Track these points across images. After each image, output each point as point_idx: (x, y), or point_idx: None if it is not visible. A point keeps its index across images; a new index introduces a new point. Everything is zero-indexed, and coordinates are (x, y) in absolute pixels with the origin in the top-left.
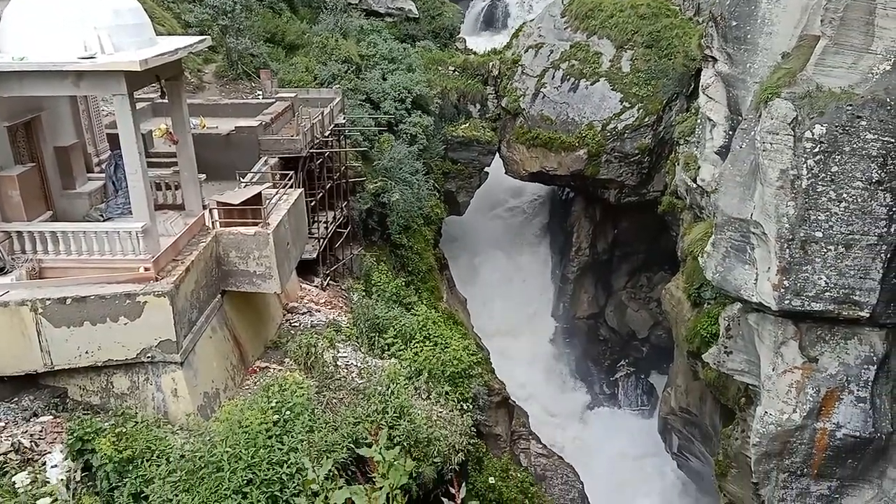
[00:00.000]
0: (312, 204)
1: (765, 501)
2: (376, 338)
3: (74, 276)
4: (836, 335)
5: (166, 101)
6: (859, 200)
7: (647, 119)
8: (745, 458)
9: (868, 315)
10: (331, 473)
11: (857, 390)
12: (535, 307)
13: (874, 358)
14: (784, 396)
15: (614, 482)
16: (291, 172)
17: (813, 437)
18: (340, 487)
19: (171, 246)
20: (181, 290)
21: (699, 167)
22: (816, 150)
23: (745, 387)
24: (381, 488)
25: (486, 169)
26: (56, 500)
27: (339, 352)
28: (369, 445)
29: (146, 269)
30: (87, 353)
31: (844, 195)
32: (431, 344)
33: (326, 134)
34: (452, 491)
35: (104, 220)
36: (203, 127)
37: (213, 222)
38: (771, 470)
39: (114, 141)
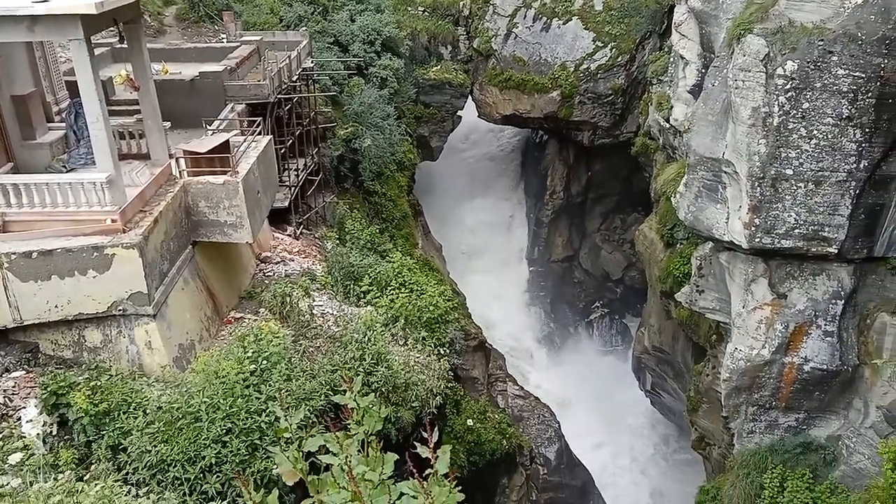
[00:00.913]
0: (282, 151)
1: (734, 434)
2: (352, 286)
3: (39, 229)
4: (804, 271)
5: (125, 46)
6: (829, 137)
7: (619, 58)
8: (715, 394)
9: (836, 251)
10: (309, 421)
11: (825, 325)
12: (510, 252)
13: (842, 293)
14: (754, 333)
15: (590, 421)
16: (259, 119)
17: (781, 372)
18: (313, 435)
19: (138, 197)
20: (150, 241)
21: (672, 107)
22: (788, 86)
23: (716, 325)
24: (355, 435)
25: (459, 113)
26: (32, 454)
27: (314, 300)
28: (344, 393)
29: (113, 221)
30: (56, 307)
31: (815, 132)
32: (407, 291)
33: (294, 79)
34: (426, 435)
35: (67, 171)
36: (165, 73)
37: (180, 172)
38: (740, 404)
39: (73, 89)
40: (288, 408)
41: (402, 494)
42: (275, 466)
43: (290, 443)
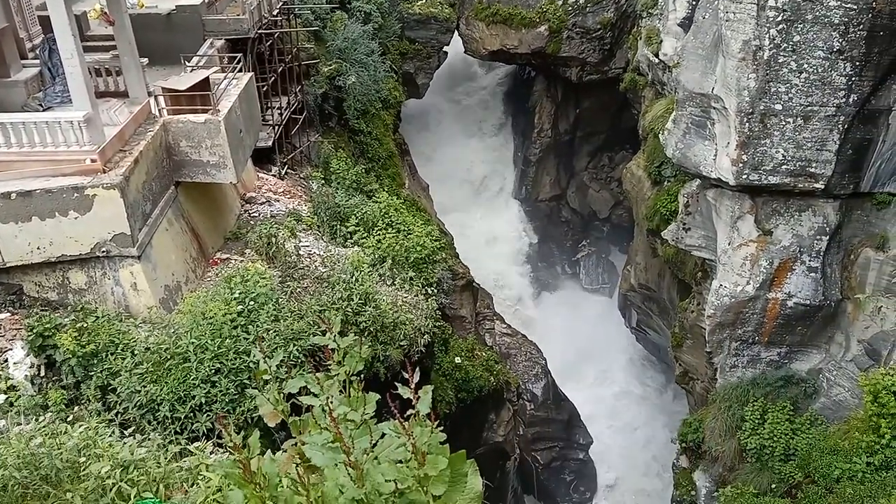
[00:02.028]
0: (264, 89)
1: (717, 369)
2: (338, 226)
3: (18, 169)
4: (790, 208)
5: None
6: (819, 71)
7: None
8: (699, 330)
9: (823, 187)
10: (299, 361)
11: (809, 260)
12: (498, 191)
13: (827, 229)
14: (739, 269)
15: (576, 357)
16: (240, 55)
17: (765, 307)
18: (293, 377)
19: (117, 136)
20: (131, 181)
21: (661, 41)
22: (779, 18)
23: (701, 262)
24: (335, 376)
25: (445, 48)
26: (21, 395)
27: (300, 241)
28: (324, 334)
29: (92, 161)
30: (38, 248)
31: (805, 66)
32: (394, 231)
33: (275, 13)
34: (408, 375)
35: (44, 110)
36: (141, 6)
37: (159, 110)
38: (724, 339)
39: (46, 24)
40: (275, 348)
41: (383, 435)
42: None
43: (271, 384)
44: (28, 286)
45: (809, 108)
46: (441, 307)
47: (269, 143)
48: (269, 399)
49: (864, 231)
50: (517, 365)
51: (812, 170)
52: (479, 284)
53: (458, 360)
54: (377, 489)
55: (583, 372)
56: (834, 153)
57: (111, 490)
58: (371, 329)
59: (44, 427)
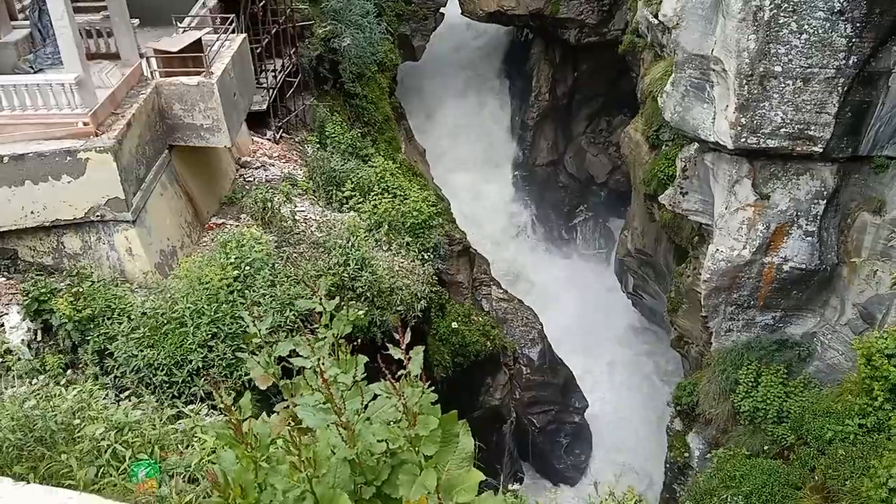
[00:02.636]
0: (258, 51)
1: (712, 333)
2: (334, 191)
3: (9, 133)
4: (788, 171)
5: None
6: (820, 32)
7: None
8: (695, 294)
9: (821, 150)
10: (296, 325)
11: (806, 224)
12: (495, 156)
13: (824, 192)
14: (735, 234)
15: (572, 322)
16: (233, 16)
17: (761, 272)
18: (282, 340)
19: (109, 98)
20: (124, 145)
21: (661, 2)
22: None
23: (698, 226)
24: (323, 338)
25: (442, 10)
26: (19, 359)
27: (296, 206)
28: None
29: (84, 124)
30: (32, 213)
31: (806, 26)
32: (390, 196)
33: None
34: (397, 336)
35: (35, 72)
36: None
37: (151, 72)
38: (719, 304)
39: None
40: (268, 310)
41: (375, 396)
42: None
43: (261, 348)
44: (23, 251)
45: (809, 70)
46: (438, 272)
47: (264, 106)
48: (259, 362)
49: (861, 195)
50: (514, 330)
51: (811, 133)
52: (475, 250)
53: (454, 325)
54: (369, 449)
55: (579, 336)
56: (833, 116)
57: (106, 451)
58: (367, 294)
59: (38, 390)
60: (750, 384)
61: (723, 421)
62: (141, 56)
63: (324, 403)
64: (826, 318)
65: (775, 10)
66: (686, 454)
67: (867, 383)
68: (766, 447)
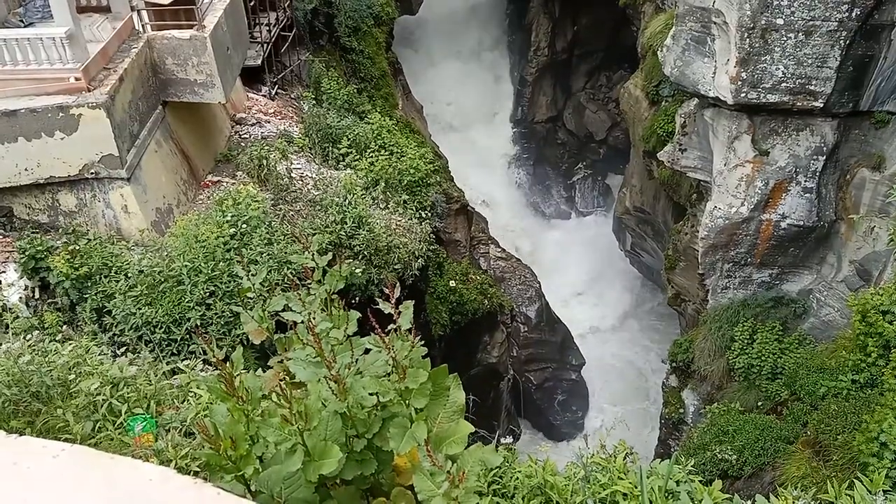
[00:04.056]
0: (251, 4)
1: (709, 290)
2: (330, 148)
3: (0, 89)
4: (788, 127)
5: None
6: None
7: None
8: (693, 252)
9: (822, 105)
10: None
11: (805, 181)
12: (493, 112)
13: (824, 148)
14: (734, 190)
15: (570, 280)
16: None
17: (758, 229)
18: (276, 295)
19: (101, 53)
20: (117, 101)
21: None
22: None
23: (696, 183)
24: (315, 294)
25: None
26: (17, 317)
27: (292, 163)
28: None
29: (76, 80)
30: (26, 170)
31: None
32: (387, 153)
33: None
34: (387, 291)
35: (25, 26)
36: None
37: (143, 25)
38: (717, 261)
39: None
40: (268, 271)
41: (367, 350)
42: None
43: (254, 302)
44: (18, 208)
45: (811, 22)
46: (435, 231)
47: (258, 61)
48: (253, 317)
49: (860, 151)
50: (511, 288)
51: (812, 87)
52: (473, 208)
53: (452, 283)
54: (359, 402)
55: (576, 294)
56: (834, 70)
57: (102, 406)
58: (365, 253)
59: (32, 345)
60: (745, 341)
61: (718, 377)
62: (132, 9)
63: (315, 357)
64: (822, 275)
65: None
66: (681, 410)
67: (861, 339)
68: (759, 403)
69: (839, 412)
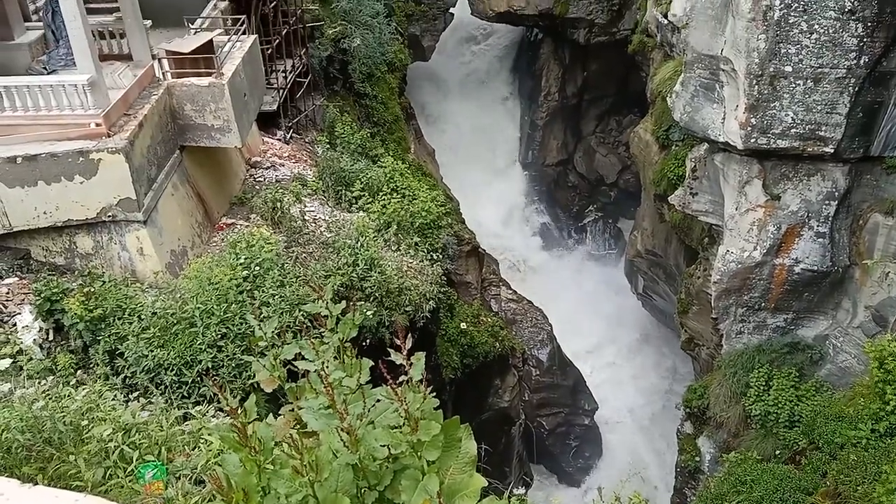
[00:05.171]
0: (269, 52)
1: (723, 335)
2: (343, 191)
3: (23, 133)
4: (799, 172)
5: None
6: (831, 31)
7: None
8: (706, 296)
9: (833, 151)
10: (304, 326)
11: (818, 226)
12: (504, 155)
13: (836, 193)
14: (746, 235)
15: (582, 323)
16: (244, 17)
17: (772, 273)
18: (289, 343)
19: (121, 99)
20: (136, 145)
21: (671, 1)
22: None
23: (708, 227)
24: (329, 342)
25: (451, 10)
26: (31, 359)
27: (306, 206)
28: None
29: (97, 125)
30: (45, 213)
31: (816, 26)
32: (399, 196)
33: None
34: (398, 341)
35: (48, 73)
36: None
37: (163, 73)
38: (730, 305)
39: None
40: (280, 313)
41: (378, 400)
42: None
43: (270, 350)
44: (35, 251)
45: (820, 69)
46: (446, 273)
47: (274, 106)
48: (265, 365)
49: (873, 196)
50: (523, 331)
51: (822, 133)
52: (484, 250)
53: (463, 325)
54: (371, 454)
55: (588, 338)
56: (844, 116)
57: (114, 453)
58: (376, 295)
59: (47, 390)
60: (761, 387)
61: (734, 424)
62: (153, 57)
63: (327, 407)
64: (838, 320)
65: (785, 10)
66: (697, 458)
67: (880, 387)
68: (777, 451)
69: (859, 462)
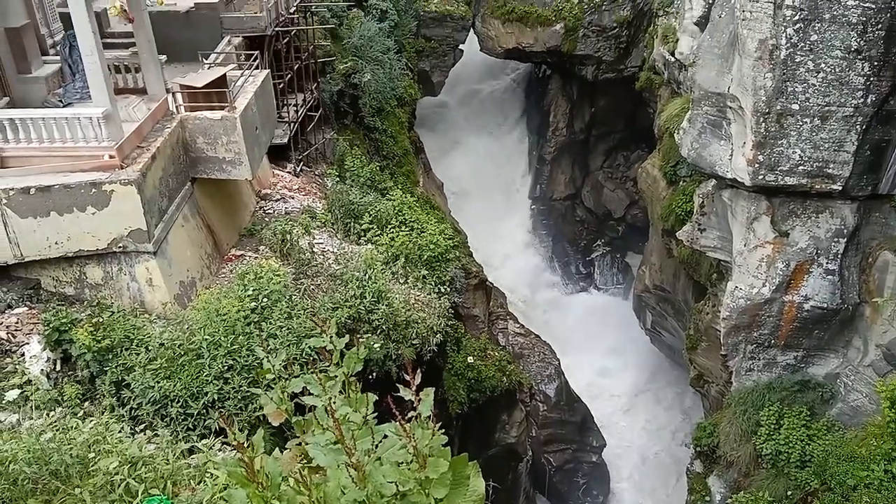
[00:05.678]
0: (281, 86)
1: (733, 372)
2: (352, 224)
3: (37, 165)
4: (807, 209)
5: None
6: (837, 70)
7: None
8: (714, 332)
9: (841, 188)
10: (311, 358)
11: (827, 263)
12: (512, 189)
13: (844, 231)
14: (754, 271)
15: (590, 359)
16: (257, 52)
17: (781, 310)
18: (297, 376)
19: (135, 132)
20: (148, 177)
21: (678, 39)
22: (796, 17)
23: (717, 263)
24: (334, 377)
25: (461, 46)
26: (38, 389)
27: (314, 238)
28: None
29: (110, 157)
30: (56, 243)
31: (822, 65)
32: (408, 229)
33: (292, 10)
34: (407, 376)
35: (64, 106)
36: (161, 4)
37: (177, 107)
38: (739, 342)
39: (67, 21)
40: (287, 346)
41: (386, 436)
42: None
43: (274, 382)
44: (45, 281)
45: (827, 108)
46: (454, 306)
47: (285, 140)
48: (272, 398)
49: (882, 233)
50: (530, 365)
51: (829, 171)
52: (492, 284)
53: (470, 359)
54: (379, 490)
55: (596, 374)
56: (852, 154)
57: (119, 486)
58: (383, 327)
59: (54, 422)
60: (772, 426)
61: (744, 464)
62: (167, 91)
63: (335, 443)
64: (849, 358)
65: (791, 49)
66: (707, 498)
67: (892, 427)
68: (789, 492)
69: None
